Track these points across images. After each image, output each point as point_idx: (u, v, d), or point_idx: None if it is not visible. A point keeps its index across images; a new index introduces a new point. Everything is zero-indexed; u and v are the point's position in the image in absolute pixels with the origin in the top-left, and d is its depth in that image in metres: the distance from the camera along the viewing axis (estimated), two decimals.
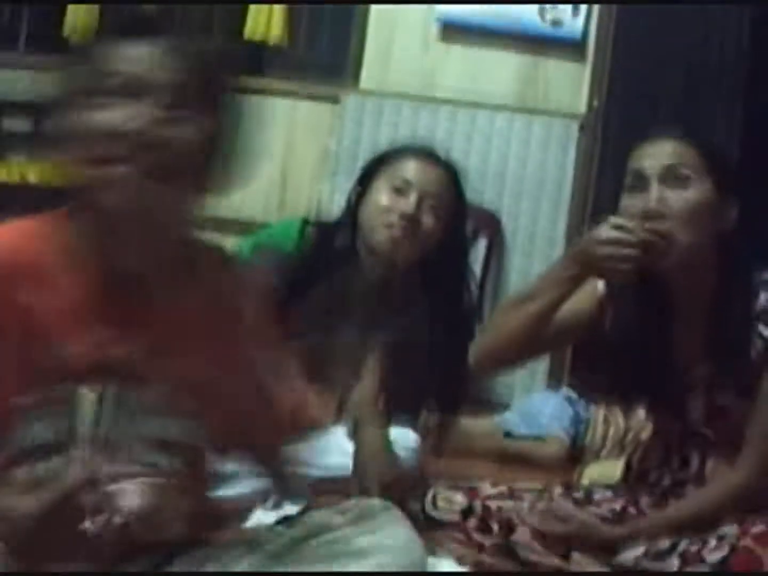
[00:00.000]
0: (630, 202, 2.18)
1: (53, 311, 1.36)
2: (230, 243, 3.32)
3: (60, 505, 1.21)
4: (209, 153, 1.41)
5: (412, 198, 2.65)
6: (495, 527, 2.25)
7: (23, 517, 1.21)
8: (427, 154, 2.76)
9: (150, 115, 1.33)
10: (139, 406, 1.41)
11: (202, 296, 1.47)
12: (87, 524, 1.26)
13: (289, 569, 1.45)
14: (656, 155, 2.18)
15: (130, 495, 1.40)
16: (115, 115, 1.33)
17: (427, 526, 2.31)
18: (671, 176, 2.15)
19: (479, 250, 4.33)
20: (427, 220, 2.67)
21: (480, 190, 4.37)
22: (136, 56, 1.37)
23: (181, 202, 1.41)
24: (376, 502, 1.51)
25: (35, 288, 1.36)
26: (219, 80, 1.43)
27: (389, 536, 1.45)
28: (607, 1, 4.52)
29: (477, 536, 2.26)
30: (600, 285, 2.33)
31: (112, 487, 1.37)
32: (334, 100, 4.57)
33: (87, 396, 1.38)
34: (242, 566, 1.46)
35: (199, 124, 1.37)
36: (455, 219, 2.74)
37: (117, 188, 1.32)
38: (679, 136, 2.20)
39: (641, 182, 2.17)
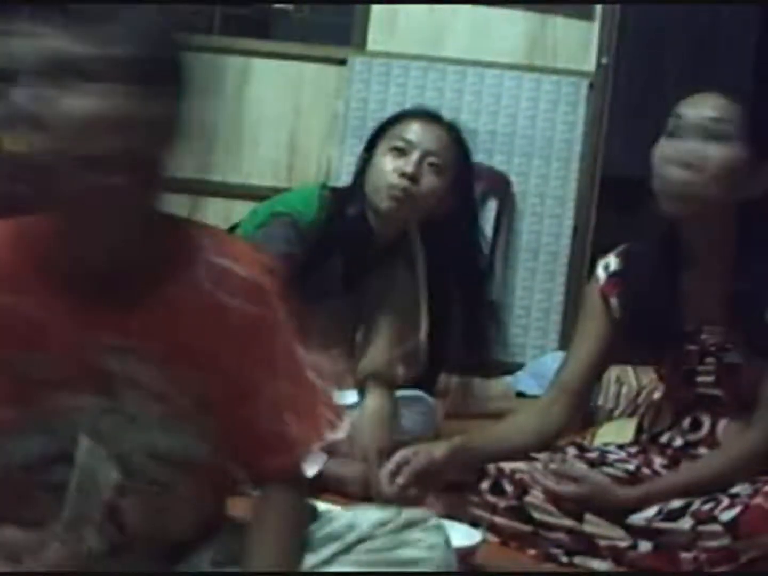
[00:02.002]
0: (665, 147, 2.19)
1: (30, 320, 1.31)
2: (239, 209, 3.33)
3: None
4: (166, 135, 1.31)
5: (413, 157, 2.64)
6: (508, 489, 2.26)
7: None
8: (428, 115, 2.75)
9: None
10: (137, 416, 1.36)
11: (197, 296, 1.38)
12: (89, 541, 1.24)
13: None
14: (700, 106, 2.19)
15: (131, 508, 1.38)
16: (57, 101, 1.23)
17: (441, 488, 2.33)
18: (711, 129, 2.15)
19: (489, 211, 4.31)
20: (429, 178, 2.66)
21: (489, 151, 4.36)
22: (88, 36, 1.25)
23: (139, 192, 1.31)
24: (416, 514, 1.50)
25: (9, 297, 1.31)
26: (171, 59, 1.32)
27: (428, 550, 1.46)
28: None
29: (491, 498, 2.26)
30: (601, 273, 2.35)
31: (113, 499, 1.36)
32: (341, 62, 4.54)
33: (85, 406, 1.34)
34: None
35: (96, 92, 1.24)
36: (461, 177, 2.73)
37: (61, 180, 1.24)
38: (727, 93, 2.19)
39: (680, 130, 2.18)
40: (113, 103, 1.25)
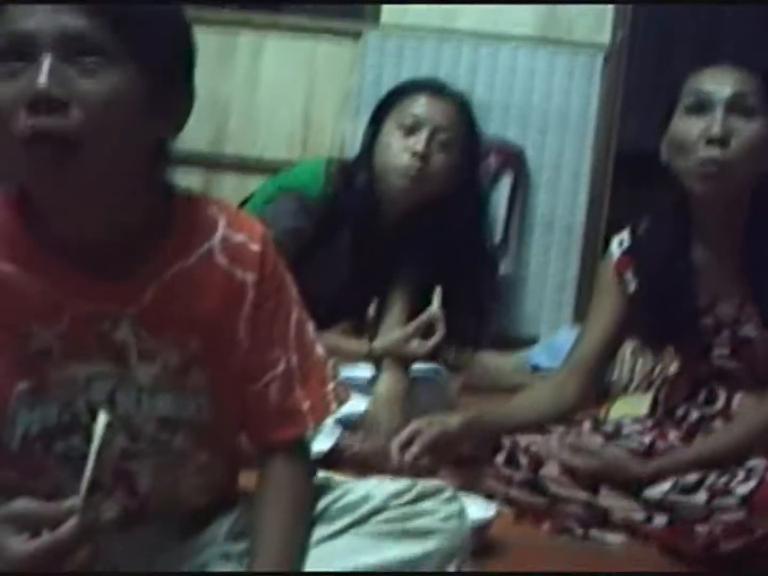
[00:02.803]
0: (689, 123, 2.16)
1: (40, 292, 1.31)
2: (253, 183, 3.33)
3: (53, 554, 1.16)
4: (180, 113, 1.31)
5: (423, 135, 2.63)
6: (523, 462, 2.26)
7: (13, 559, 1.16)
8: (435, 88, 2.73)
9: (50, 72, 1.20)
10: (149, 386, 1.37)
11: (211, 270, 1.38)
12: (105, 508, 1.24)
13: (348, 544, 1.45)
14: (723, 81, 2.16)
15: (143, 475, 1.40)
16: (13, 84, 1.21)
17: (456, 462, 2.33)
18: (738, 105, 2.13)
19: (504, 185, 4.31)
20: (438, 157, 2.65)
21: (504, 126, 4.35)
22: (27, 12, 1.22)
23: (152, 167, 1.30)
24: (431, 485, 1.50)
25: (18, 269, 1.31)
26: (183, 37, 1.30)
27: (443, 521, 1.46)
28: None
29: (505, 471, 2.27)
30: (616, 250, 2.35)
31: (125, 467, 1.38)
32: (355, 37, 4.54)
33: (98, 376, 1.35)
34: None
35: (113, 73, 1.23)
36: (468, 153, 2.73)
37: (33, 170, 1.23)
38: (744, 67, 2.17)
39: (705, 106, 2.15)
40: (130, 82, 1.25)
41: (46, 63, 1.21)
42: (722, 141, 2.11)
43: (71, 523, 1.16)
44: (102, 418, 1.21)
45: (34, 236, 1.32)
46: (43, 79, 1.20)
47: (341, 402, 1.49)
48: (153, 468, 1.40)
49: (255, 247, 1.41)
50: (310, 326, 1.49)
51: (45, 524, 1.17)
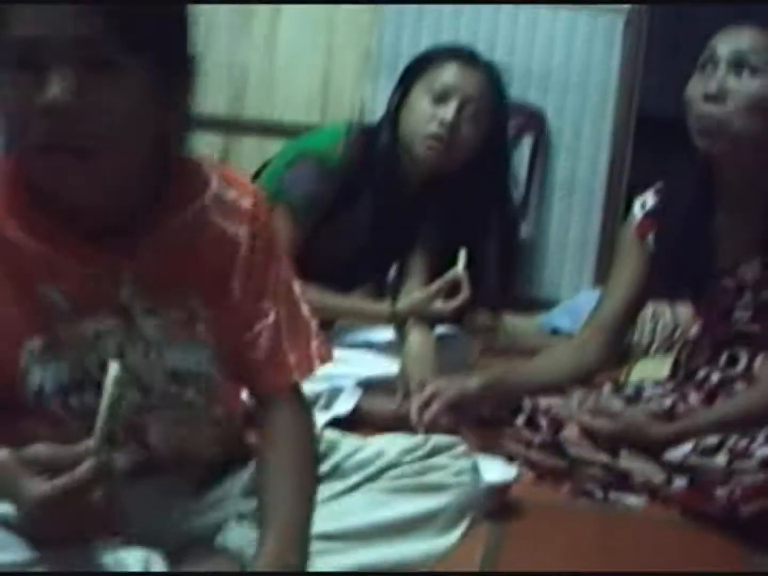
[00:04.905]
0: (695, 81, 2.18)
1: (45, 254, 1.33)
2: (273, 147, 3.32)
3: (71, 494, 1.19)
4: (147, 101, 1.28)
5: (453, 105, 2.61)
6: (544, 424, 2.27)
7: (31, 499, 1.19)
8: (467, 57, 2.70)
9: (62, 84, 1.19)
10: (155, 341, 1.40)
11: (205, 227, 1.41)
12: (117, 458, 1.26)
13: (362, 499, 1.47)
14: (731, 40, 2.17)
15: (155, 428, 1.43)
16: (25, 91, 1.21)
17: (475, 423, 2.34)
18: (740, 62, 2.13)
19: (524, 148, 4.28)
20: (467, 128, 2.63)
21: (524, 88, 4.33)
22: (38, 17, 1.20)
23: (127, 161, 1.29)
24: (443, 440, 1.51)
25: (22, 233, 1.32)
26: (149, 25, 1.25)
27: (456, 474, 1.47)
28: None
29: (525, 433, 2.27)
30: (638, 212, 2.34)
31: (138, 420, 1.41)
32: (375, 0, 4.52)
33: (108, 333, 1.37)
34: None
35: (122, 77, 1.24)
36: (496, 124, 2.71)
37: (47, 176, 1.25)
38: (761, 25, 2.17)
39: (710, 65, 2.16)
40: (140, 83, 1.26)
41: (58, 72, 1.20)
42: (717, 98, 2.12)
43: (87, 464, 1.19)
44: (113, 368, 1.24)
45: (33, 200, 1.33)
46: (56, 89, 1.20)
47: (323, 360, 1.52)
48: (165, 421, 1.44)
49: (246, 202, 1.45)
50: (297, 285, 1.53)
51: (62, 466, 1.20)
